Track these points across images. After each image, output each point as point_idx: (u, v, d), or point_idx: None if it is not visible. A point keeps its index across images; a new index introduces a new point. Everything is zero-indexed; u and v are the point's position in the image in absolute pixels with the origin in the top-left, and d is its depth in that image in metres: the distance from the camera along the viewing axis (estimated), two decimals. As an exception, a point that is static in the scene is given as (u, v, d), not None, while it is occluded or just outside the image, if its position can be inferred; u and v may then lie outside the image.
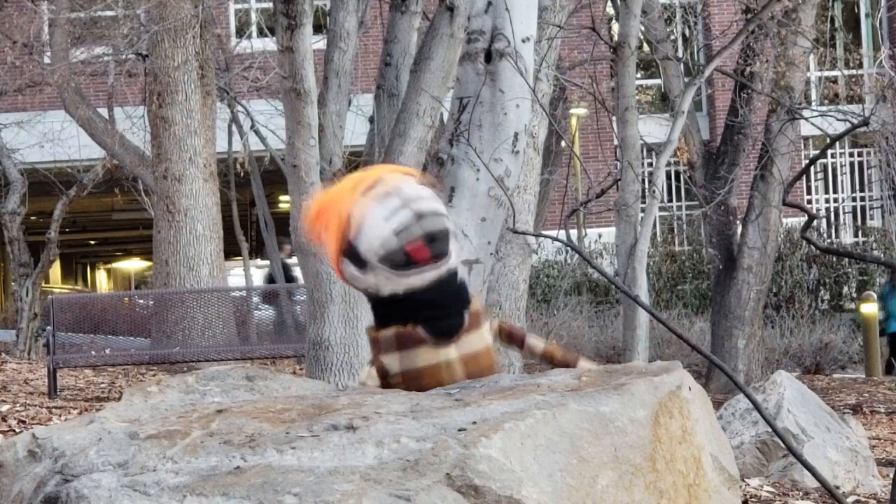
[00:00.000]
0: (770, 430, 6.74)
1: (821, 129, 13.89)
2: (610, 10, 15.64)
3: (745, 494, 5.95)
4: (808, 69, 18.05)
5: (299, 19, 5.79)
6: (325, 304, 6.06)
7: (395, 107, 6.06)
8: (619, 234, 10.03)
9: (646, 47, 16.41)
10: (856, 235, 25.24)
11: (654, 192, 10.12)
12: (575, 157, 13.63)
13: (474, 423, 2.27)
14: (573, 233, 21.19)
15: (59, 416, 9.21)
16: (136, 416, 2.52)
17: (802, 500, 6.09)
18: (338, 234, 2.72)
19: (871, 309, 16.86)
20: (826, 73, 22.94)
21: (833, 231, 25.45)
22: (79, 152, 18.69)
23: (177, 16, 14.45)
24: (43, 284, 18.11)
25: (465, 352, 2.77)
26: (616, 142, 11.82)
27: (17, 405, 9.86)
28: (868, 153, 25.05)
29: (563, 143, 17.07)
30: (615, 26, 12.78)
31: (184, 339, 13.01)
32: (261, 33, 19.44)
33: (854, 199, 25.72)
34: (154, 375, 12.80)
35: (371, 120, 6.48)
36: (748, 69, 14.24)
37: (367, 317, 6.16)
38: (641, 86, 24.52)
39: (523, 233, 7.72)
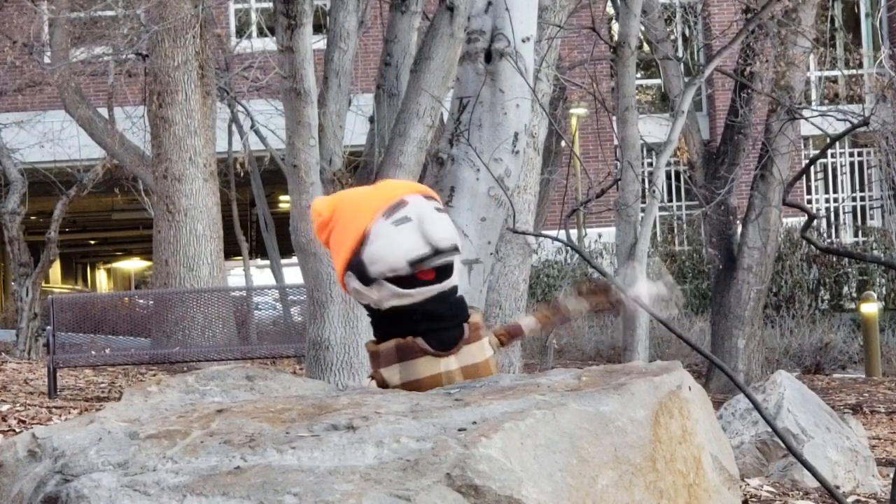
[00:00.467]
0: (770, 430, 6.75)
1: (821, 129, 13.89)
2: (610, 10, 15.63)
3: (745, 494, 5.95)
4: (808, 69, 18.05)
5: (299, 19, 5.79)
6: (325, 304, 6.06)
7: (395, 107, 6.06)
8: (619, 234, 10.03)
9: (646, 47, 16.41)
10: (856, 235, 25.24)
11: (654, 192, 10.12)
12: (575, 157, 13.64)
13: (474, 423, 2.28)
14: (573, 233, 21.18)
15: (59, 416, 9.21)
16: (136, 416, 2.52)
17: (802, 500, 6.09)
18: (350, 249, 2.74)
19: (871, 309, 16.86)
20: (826, 73, 22.94)
21: (833, 231, 25.44)
22: (79, 152, 18.69)
23: (177, 16, 14.45)
24: (43, 284, 18.10)
25: (466, 363, 2.79)
26: (616, 142, 11.81)
27: (17, 405, 9.87)
28: (868, 153, 25.05)
29: (563, 143, 17.06)
30: (615, 26, 12.78)
31: (184, 339, 13.01)
32: (261, 33, 19.44)
33: (854, 199, 25.72)
34: (154, 375, 12.80)
35: (371, 120, 6.47)
36: (748, 69, 14.24)
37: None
38: (641, 86, 24.53)
39: (523, 233, 7.72)
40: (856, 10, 26.40)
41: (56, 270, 36.85)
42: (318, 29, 7.40)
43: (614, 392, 2.42)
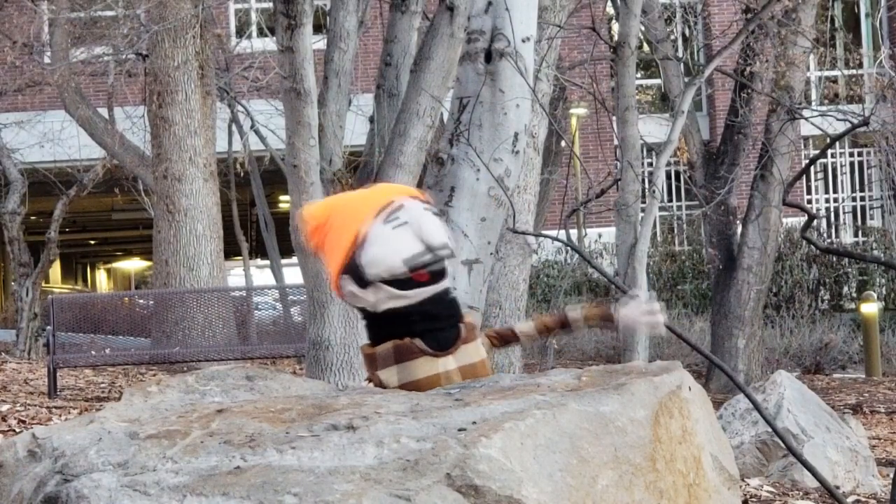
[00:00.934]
0: (770, 430, 6.74)
1: (821, 129, 13.89)
2: (610, 10, 15.64)
3: (745, 494, 5.95)
4: (808, 69, 18.04)
5: (299, 19, 5.79)
6: (325, 304, 6.06)
7: (395, 107, 6.06)
8: (619, 234, 10.03)
9: (646, 47, 16.41)
10: (856, 235, 25.24)
11: (654, 192, 10.12)
12: (575, 157, 13.63)
13: (474, 423, 2.27)
14: (573, 233, 21.18)
15: (59, 416, 9.21)
16: (136, 416, 2.52)
17: (802, 500, 6.09)
18: (345, 252, 2.75)
19: (871, 309, 16.87)
20: (826, 73, 22.94)
21: (833, 231, 25.44)
22: (79, 152, 18.69)
23: (177, 16, 14.45)
24: (43, 284, 18.10)
25: (464, 362, 2.80)
26: (616, 142, 11.81)
27: (17, 405, 9.87)
28: (868, 153, 25.05)
29: (563, 143, 17.07)
30: (615, 26, 12.78)
31: (184, 339, 13.01)
32: (261, 33, 19.44)
33: (854, 199, 25.71)
34: (154, 375, 12.80)
35: (371, 120, 6.47)
36: (748, 69, 14.24)
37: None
38: (641, 86, 24.52)
39: (523, 233, 7.72)
40: (856, 10, 26.40)
41: (56, 270, 36.84)
42: (318, 29, 7.40)
43: (614, 392, 2.42)
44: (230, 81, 17.01)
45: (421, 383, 2.75)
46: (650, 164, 17.89)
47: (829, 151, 24.49)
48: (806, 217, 4.55)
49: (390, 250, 2.71)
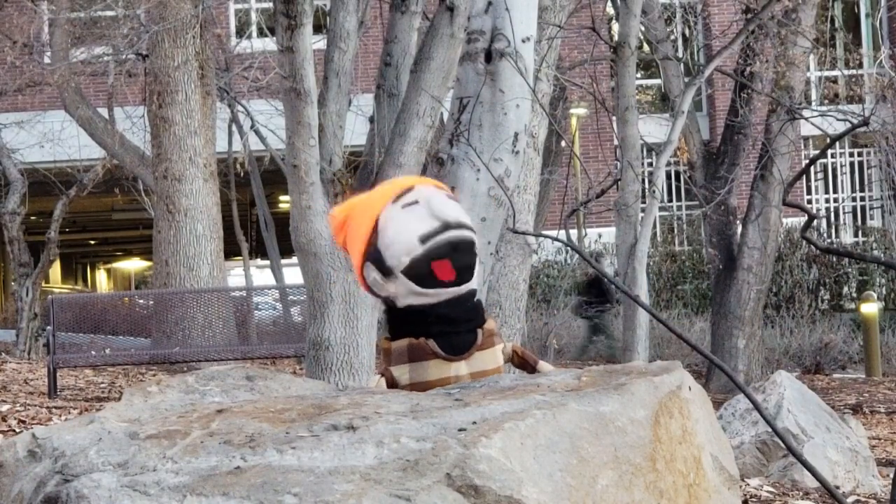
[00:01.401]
0: (770, 430, 6.75)
1: (821, 129, 13.90)
2: (610, 10, 15.64)
3: (745, 494, 5.95)
4: (808, 69, 18.05)
5: (299, 19, 5.79)
6: (325, 304, 6.06)
7: (395, 107, 6.06)
8: (619, 234, 10.03)
9: (646, 47, 16.41)
10: (856, 235, 25.25)
11: (654, 192, 10.13)
12: (575, 157, 13.64)
13: (474, 423, 2.27)
14: (573, 233, 21.19)
15: (59, 416, 9.21)
16: (136, 416, 2.52)
17: (802, 500, 6.09)
18: (365, 239, 2.74)
19: (871, 309, 16.87)
20: (826, 73, 22.94)
21: (833, 231, 25.45)
22: (79, 152, 18.69)
23: (177, 16, 14.45)
24: (43, 284, 18.11)
25: (476, 369, 2.76)
26: (616, 142, 11.81)
27: (17, 405, 9.87)
28: (868, 153, 25.06)
29: (563, 143, 17.07)
30: (615, 26, 12.78)
31: (184, 339, 13.01)
32: (261, 33, 19.44)
33: (854, 199, 25.72)
34: (154, 375, 12.80)
35: (371, 120, 6.47)
36: (748, 69, 14.25)
37: (366, 317, 6.16)
38: (641, 86, 24.53)
39: (523, 233, 7.71)
40: (856, 10, 26.40)
41: (56, 270, 36.84)
42: (318, 29, 7.39)
43: (614, 392, 2.42)
44: (230, 81, 17.01)
45: (431, 385, 2.72)
46: (650, 164, 17.89)
47: (829, 151, 24.50)
48: (806, 217, 4.55)
49: (405, 229, 2.68)
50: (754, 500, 5.99)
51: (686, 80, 12.79)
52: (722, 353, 14.32)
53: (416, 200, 2.72)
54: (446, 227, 2.69)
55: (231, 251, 19.38)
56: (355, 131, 9.27)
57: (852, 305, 21.23)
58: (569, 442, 2.28)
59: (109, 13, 16.88)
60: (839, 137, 5.93)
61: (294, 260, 7.30)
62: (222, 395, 2.71)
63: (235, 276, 27.82)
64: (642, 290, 9.90)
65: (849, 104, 18.27)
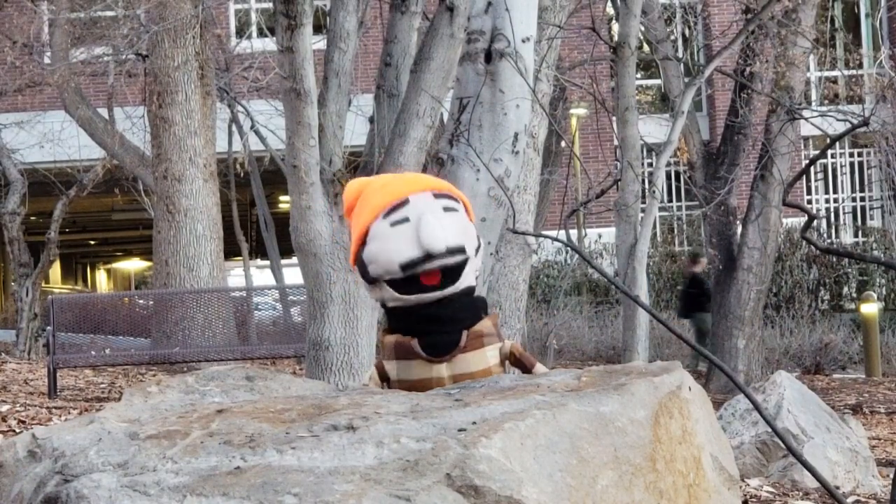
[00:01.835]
0: (770, 430, 6.75)
1: (821, 129, 13.90)
2: (610, 10, 15.64)
3: (745, 494, 5.95)
4: (808, 69, 18.05)
5: (299, 19, 5.79)
6: (325, 304, 6.06)
7: (395, 107, 6.06)
8: (619, 234, 10.04)
9: (646, 47, 16.41)
10: (856, 235, 25.25)
11: (654, 192, 10.13)
12: (575, 157, 13.64)
13: (474, 423, 2.27)
14: (573, 233, 21.18)
15: (59, 416, 9.21)
16: (136, 416, 2.52)
17: (802, 500, 6.09)
18: (356, 243, 2.74)
19: (871, 309, 16.87)
20: (826, 73, 22.94)
21: (833, 231, 25.45)
22: (79, 152, 18.70)
23: (177, 16, 14.45)
24: (43, 284, 18.11)
25: (458, 372, 2.71)
26: (616, 142, 11.81)
27: (17, 405, 9.86)
28: (868, 153, 25.06)
29: (563, 143, 17.06)
30: (615, 26, 12.78)
31: (184, 339, 13.01)
32: (261, 33, 19.44)
33: (854, 199, 25.72)
34: (154, 375, 12.80)
35: (371, 120, 6.47)
36: (748, 69, 14.25)
37: (366, 317, 6.16)
38: (641, 86, 24.53)
39: (523, 233, 7.71)
40: (856, 10, 26.40)
41: (56, 271, 36.84)
42: (318, 29, 7.40)
43: (614, 392, 2.42)
44: (230, 81, 17.01)
45: (415, 384, 2.71)
46: (650, 164, 17.90)
47: (829, 152, 24.50)
48: (806, 217, 4.55)
49: (387, 250, 2.64)
50: (754, 500, 5.99)
51: (686, 80, 12.80)
52: (722, 353, 14.33)
53: (406, 218, 2.65)
54: (428, 257, 2.63)
55: (231, 251, 19.38)
56: (355, 131, 9.27)
57: (852, 305, 21.23)
58: (569, 442, 2.28)
59: (109, 13, 16.87)
60: (839, 138, 5.93)
61: (294, 260, 7.30)
62: (222, 395, 2.71)
63: (235, 276, 27.83)
64: (642, 291, 9.90)
65: (849, 104, 18.28)
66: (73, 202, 17.61)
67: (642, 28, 11.70)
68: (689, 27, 22.93)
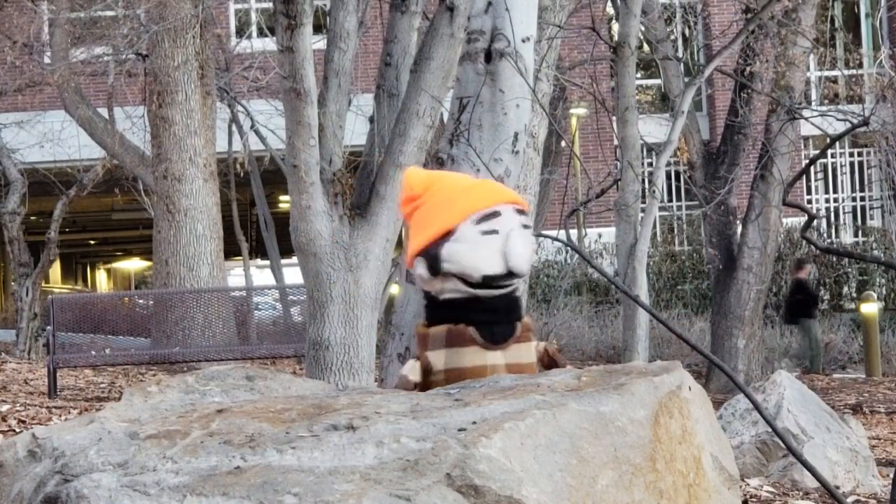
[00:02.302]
0: (770, 430, 6.75)
1: (821, 129, 13.89)
2: (610, 10, 15.63)
3: (745, 494, 5.95)
4: (808, 69, 18.05)
5: (299, 19, 5.79)
6: (325, 304, 6.06)
7: (395, 107, 6.06)
8: (619, 234, 10.03)
9: (646, 47, 16.41)
10: (856, 235, 25.24)
11: (654, 192, 10.12)
12: (575, 157, 13.63)
13: (474, 423, 2.27)
14: (573, 233, 21.18)
15: (59, 416, 9.21)
16: (136, 416, 2.52)
17: (802, 500, 6.09)
18: (432, 237, 2.76)
19: (871, 309, 16.87)
20: (826, 73, 22.93)
21: (833, 231, 25.44)
22: (79, 152, 18.69)
23: (177, 16, 14.45)
24: (43, 284, 18.10)
25: (512, 361, 2.79)
26: (616, 142, 11.81)
27: (17, 405, 9.86)
28: (868, 153, 25.05)
29: (563, 143, 17.06)
30: (615, 26, 12.78)
31: (184, 339, 13.01)
32: (261, 33, 19.43)
33: (854, 199, 25.71)
34: (154, 375, 12.80)
35: (371, 120, 6.47)
36: (748, 69, 14.25)
37: (366, 317, 6.16)
38: (641, 86, 24.52)
39: (523, 233, 7.69)
40: (856, 10, 26.39)
41: (56, 270, 36.84)
42: (318, 29, 7.40)
43: (614, 392, 2.42)
44: (230, 81, 17.00)
45: (466, 372, 2.74)
46: (650, 164, 17.89)
47: (829, 151, 24.50)
48: (806, 217, 4.55)
49: (473, 258, 2.72)
50: (754, 500, 5.99)
51: (686, 80, 12.79)
52: (722, 353, 14.32)
53: (496, 230, 2.73)
54: (510, 275, 2.73)
55: (231, 251, 19.38)
56: (355, 131, 9.27)
57: (852, 305, 21.23)
58: (569, 442, 2.28)
59: (109, 13, 16.87)
60: (839, 137, 5.93)
61: (294, 260, 7.30)
62: (222, 395, 2.71)
63: (235, 276, 27.82)
64: (642, 290, 9.90)
65: (849, 104, 18.27)
66: (73, 202, 17.61)
67: (642, 28, 11.70)
68: (689, 27, 22.93)
